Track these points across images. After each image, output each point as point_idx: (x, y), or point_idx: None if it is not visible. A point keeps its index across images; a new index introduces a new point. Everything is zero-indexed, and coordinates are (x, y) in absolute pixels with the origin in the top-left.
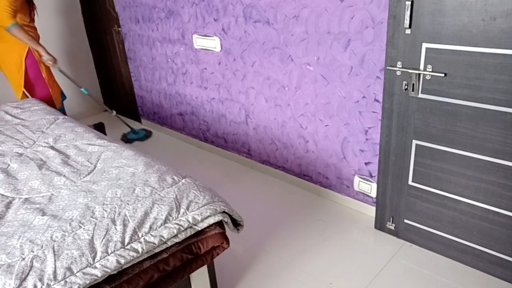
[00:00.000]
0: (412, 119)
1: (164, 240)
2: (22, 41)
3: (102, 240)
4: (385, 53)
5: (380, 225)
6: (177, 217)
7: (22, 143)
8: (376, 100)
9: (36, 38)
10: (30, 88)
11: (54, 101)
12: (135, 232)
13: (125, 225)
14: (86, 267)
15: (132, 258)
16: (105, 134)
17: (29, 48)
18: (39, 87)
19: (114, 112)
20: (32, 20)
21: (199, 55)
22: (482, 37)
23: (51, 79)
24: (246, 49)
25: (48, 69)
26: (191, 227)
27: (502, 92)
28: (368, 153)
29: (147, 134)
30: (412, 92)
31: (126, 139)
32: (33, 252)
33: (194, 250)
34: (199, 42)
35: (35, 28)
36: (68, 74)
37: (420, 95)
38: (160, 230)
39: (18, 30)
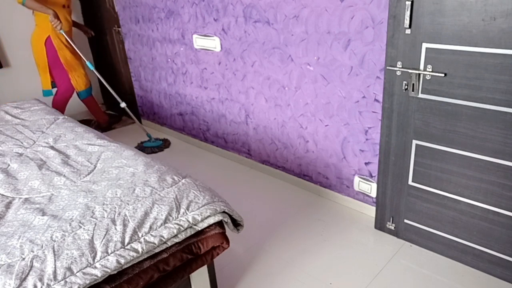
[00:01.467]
0: (412, 119)
1: (164, 240)
2: (39, 12)
3: (102, 240)
4: (385, 53)
5: (380, 225)
6: (177, 217)
7: (22, 143)
8: (376, 100)
9: (68, 24)
10: (49, 71)
11: (71, 85)
12: (135, 232)
13: (125, 225)
14: (86, 267)
15: (132, 258)
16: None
17: (49, 35)
18: (56, 71)
19: (124, 104)
20: (67, 6)
21: (199, 55)
22: (482, 37)
23: (72, 63)
24: (246, 49)
25: (72, 53)
26: (191, 227)
27: (502, 92)
28: (368, 153)
29: (164, 144)
30: (412, 92)
31: (141, 147)
32: (33, 252)
33: (194, 250)
34: (199, 42)
35: (70, 12)
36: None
37: (420, 95)
38: (160, 230)
39: (31, 2)
